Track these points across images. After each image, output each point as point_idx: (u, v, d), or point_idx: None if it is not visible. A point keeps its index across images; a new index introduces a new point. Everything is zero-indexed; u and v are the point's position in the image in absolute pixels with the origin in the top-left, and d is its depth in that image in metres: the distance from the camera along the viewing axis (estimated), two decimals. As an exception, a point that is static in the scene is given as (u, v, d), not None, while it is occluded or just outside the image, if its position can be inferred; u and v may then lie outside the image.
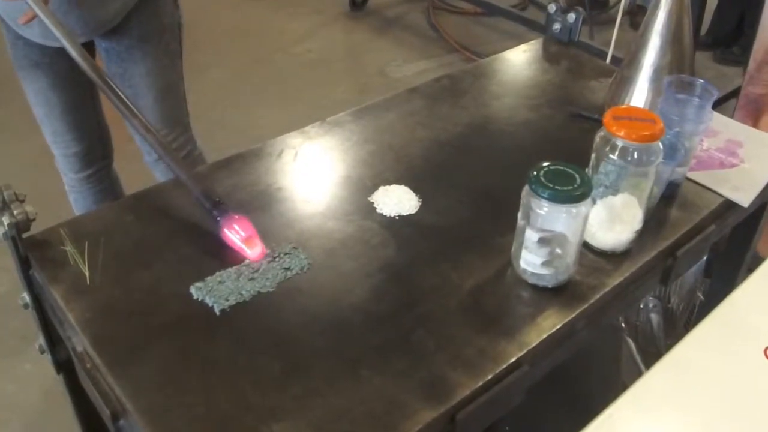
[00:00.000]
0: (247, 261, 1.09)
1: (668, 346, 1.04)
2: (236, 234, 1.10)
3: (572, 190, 0.97)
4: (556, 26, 1.75)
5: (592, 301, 1.06)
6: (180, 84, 1.86)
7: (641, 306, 1.81)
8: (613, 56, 2.22)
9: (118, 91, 1.19)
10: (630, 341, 1.76)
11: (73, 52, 1.21)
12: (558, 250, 1.03)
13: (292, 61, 3.88)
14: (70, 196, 1.96)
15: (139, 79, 1.75)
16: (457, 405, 0.90)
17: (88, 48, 1.72)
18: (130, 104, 1.20)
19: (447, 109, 1.50)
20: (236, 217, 1.12)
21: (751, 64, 2.20)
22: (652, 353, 1.80)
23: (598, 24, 3.34)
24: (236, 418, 0.88)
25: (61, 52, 1.53)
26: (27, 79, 1.73)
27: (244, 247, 1.09)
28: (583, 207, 0.99)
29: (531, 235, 1.02)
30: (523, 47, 1.77)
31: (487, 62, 1.73)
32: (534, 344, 0.98)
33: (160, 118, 1.82)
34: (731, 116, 1.75)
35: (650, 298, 1.81)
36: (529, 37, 2.58)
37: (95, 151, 1.89)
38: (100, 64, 1.79)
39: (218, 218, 1.12)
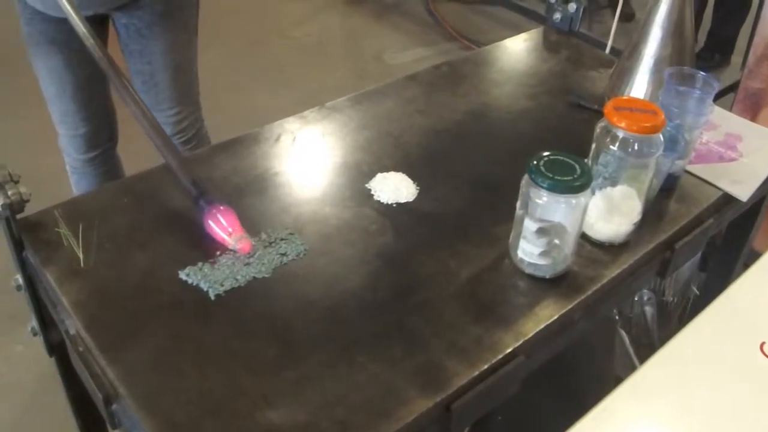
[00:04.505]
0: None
1: (661, 339, 1.04)
2: (221, 226, 1.07)
3: (572, 181, 0.97)
4: (557, 15, 1.74)
5: (589, 292, 1.05)
6: (195, 61, 1.87)
7: (635, 298, 1.81)
8: (612, 47, 2.21)
9: (119, 70, 1.17)
10: (623, 333, 1.77)
11: (81, 29, 1.19)
12: (556, 241, 1.03)
13: (290, 45, 3.86)
14: (72, 177, 1.95)
15: (159, 55, 1.74)
16: (453, 394, 0.90)
17: (103, 24, 1.72)
18: (130, 87, 1.18)
19: (446, 97, 1.49)
20: (222, 208, 1.09)
21: (751, 58, 2.19)
22: (645, 346, 1.80)
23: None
24: (230, 403, 0.87)
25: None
26: (41, 56, 1.71)
27: (227, 239, 1.06)
28: (582, 198, 0.99)
29: (529, 225, 1.02)
30: (523, 36, 1.76)
31: (487, 50, 1.72)
32: (530, 335, 0.98)
33: (176, 96, 1.83)
34: (729, 110, 1.74)
35: (645, 290, 1.81)
36: (527, 26, 2.56)
37: (101, 133, 1.88)
38: (114, 42, 1.78)
39: (204, 208, 1.09)
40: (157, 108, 1.83)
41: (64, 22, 1.59)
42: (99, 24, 1.70)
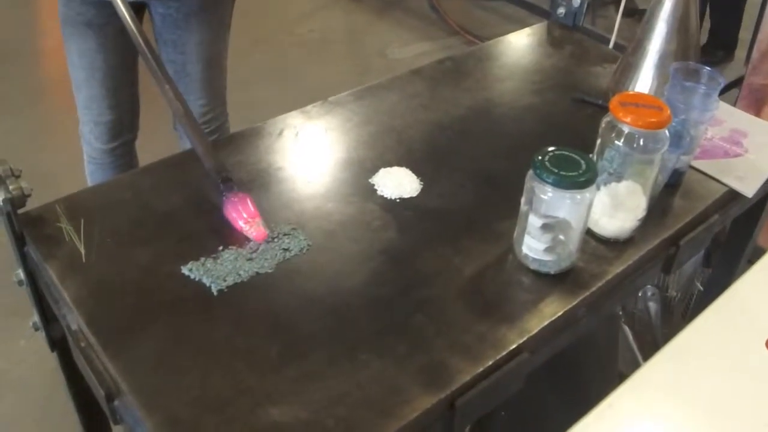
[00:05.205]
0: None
1: (665, 335, 1.03)
2: (239, 213, 1.09)
3: (577, 176, 0.96)
4: (561, 10, 1.73)
5: (593, 288, 1.05)
6: (226, 56, 1.88)
7: (639, 294, 1.81)
8: (615, 43, 2.21)
9: (155, 51, 1.20)
10: (627, 329, 1.76)
11: (123, 11, 1.22)
12: (561, 237, 1.02)
13: (293, 41, 3.85)
14: (88, 167, 1.93)
15: (193, 47, 1.76)
16: (457, 391, 0.89)
17: (139, 13, 1.72)
18: (164, 68, 1.20)
19: (450, 92, 1.48)
20: (241, 195, 1.11)
21: (755, 54, 2.18)
22: (649, 341, 1.79)
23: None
24: (232, 400, 0.87)
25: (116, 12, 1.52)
26: (74, 39, 1.71)
27: (244, 227, 1.08)
28: (587, 193, 0.98)
29: (534, 221, 1.01)
30: (527, 31, 1.75)
31: (491, 45, 1.71)
32: (535, 331, 0.97)
33: (206, 87, 1.84)
34: (733, 106, 1.74)
35: (649, 286, 1.81)
36: (530, 21, 2.56)
37: (124, 123, 1.88)
38: (148, 30, 1.78)
39: (224, 194, 1.11)
40: (186, 98, 1.83)
41: (103, 5, 1.60)
42: (135, 12, 1.71)
